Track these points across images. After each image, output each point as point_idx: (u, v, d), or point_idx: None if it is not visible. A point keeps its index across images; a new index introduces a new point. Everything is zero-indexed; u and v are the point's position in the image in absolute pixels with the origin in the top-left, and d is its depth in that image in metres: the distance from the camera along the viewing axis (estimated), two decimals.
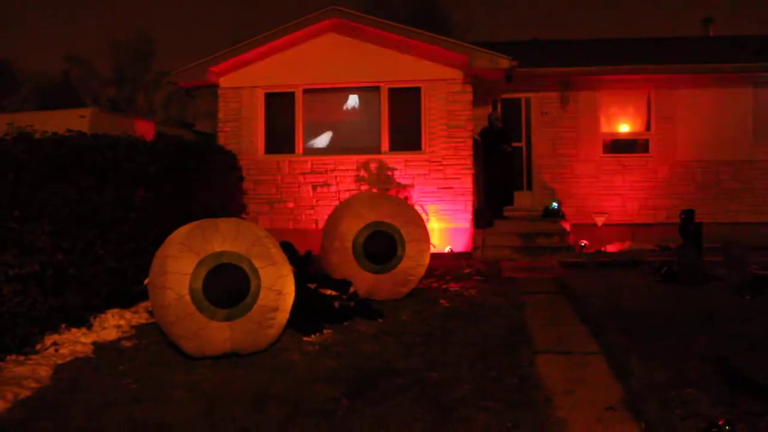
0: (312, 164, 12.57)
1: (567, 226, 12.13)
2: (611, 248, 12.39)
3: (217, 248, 5.81)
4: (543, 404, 4.73)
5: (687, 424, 4.27)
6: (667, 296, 8.26)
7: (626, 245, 12.51)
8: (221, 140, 12.64)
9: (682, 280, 8.93)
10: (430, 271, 8.78)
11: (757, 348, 5.91)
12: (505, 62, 11.96)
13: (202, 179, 9.86)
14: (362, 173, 12.38)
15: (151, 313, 6.88)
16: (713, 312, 7.33)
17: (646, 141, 13.55)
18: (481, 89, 12.85)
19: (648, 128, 13.55)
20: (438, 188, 12.22)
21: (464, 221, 12.12)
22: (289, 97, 12.75)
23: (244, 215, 12.02)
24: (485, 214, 12.11)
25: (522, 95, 13.64)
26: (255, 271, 5.82)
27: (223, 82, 12.82)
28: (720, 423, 4.13)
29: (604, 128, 13.59)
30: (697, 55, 14.20)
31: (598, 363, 5.68)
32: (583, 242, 12.37)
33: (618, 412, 4.55)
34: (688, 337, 6.27)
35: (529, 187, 13.50)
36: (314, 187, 12.50)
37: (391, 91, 12.53)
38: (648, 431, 4.24)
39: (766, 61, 13.33)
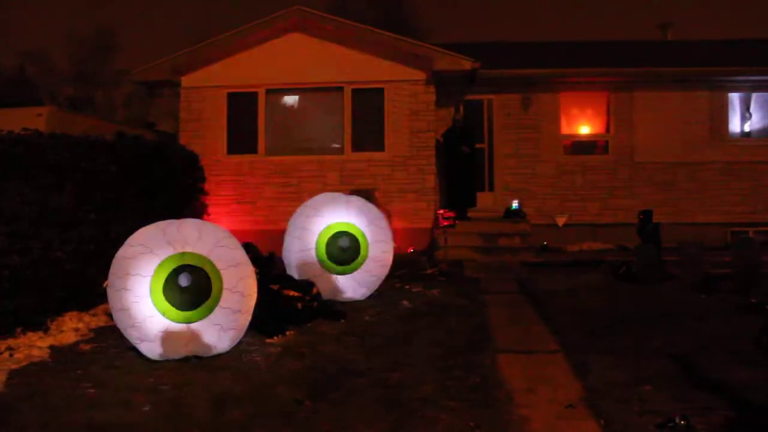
0: (275, 165, 12.51)
1: (528, 227, 12.25)
2: (572, 248, 12.55)
3: (179, 250, 5.76)
4: (505, 403, 4.78)
5: (644, 420, 4.37)
6: (626, 295, 8.43)
7: (587, 245, 12.69)
8: (183, 140, 12.50)
9: (641, 280, 9.11)
10: (393, 272, 8.79)
11: (711, 345, 6.06)
12: (467, 63, 12.05)
13: (164, 180, 9.75)
14: (325, 173, 12.36)
15: (110, 315, 6.76)
16: (670, 311, 7.51)
17: (606, 142, 13.76)
18: (444, 90, 12.92)
19: (608, 130, 13.75)
20: (401, 188, 12.26)
21: (427, 222, 12.18)
22: (252, 97, 12.67)
23: (206, 216, 11.90)
24: (449, 215, 12.18)
25: (484, 97, 13.72)
26: (217, 272, 5.78)
27: (186, 81, 12.68)
28: (676, 418, 4.23)
29: (565, 130, 13.76)
30: (655, 58, 14.47)
31: (558, 361, 5.76)
32: (545, 242, 12.52)
33: (578, 410, 4.62)
34: (646, 335, 6.40)
35: (491, 188, 13.61)
36: (277, 188, 12.44)
37: (355, 91, 12.54)
38: (606, 428, 4.31)
39: (721, 65, 13.64)
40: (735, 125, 14.02)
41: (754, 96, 13.99)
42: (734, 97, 13.95)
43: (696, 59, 14.16)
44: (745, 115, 14.12)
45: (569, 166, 13.54)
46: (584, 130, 13.89)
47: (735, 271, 8.77)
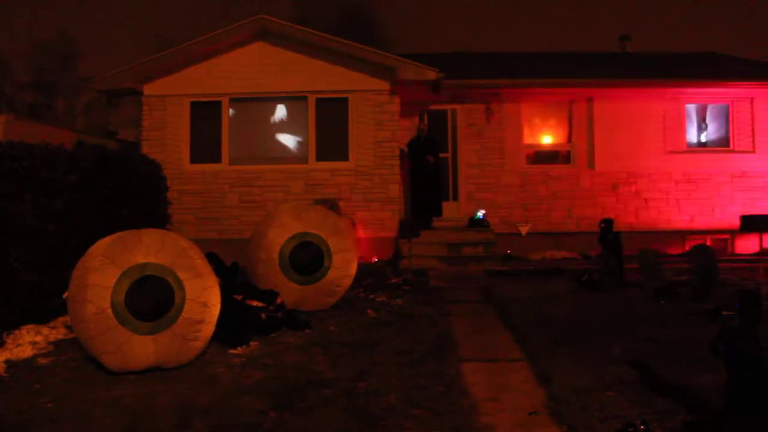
0: (238, 174, 12.43)
1: (492, 236, 12.35)
2: (535, 257, 12.68)
3: (141, 260, 5.70)
4: (469, 411, 4.81)
5: (606, 425, 4.43)
6: (589, 303, 8.54)
7: (550, 254, 12.83)
8: (145, 149, 12.35)
9: (603, 287, 9.24)
10: (357, 282, 8.80)
11: (671, 351, 6.18)
12: (431, 74, 12.14)
13: (125, 189, 9.61)
14: (289, 183, 12.32)
15: (70, 328, 6.65)
16: (631, 317, 7.64)
17: (568, 152, 13.96)
18: (409, 100, 12.99)
19: (570, 140, 13.96)
20: (365, 198, 12.27)
21: (391, 231, 12.21)
22: (216, 106, 12.59)
23: (168, 226, 11.76)
24: (412, 224, 12.22)
25: (449, 107, 13.83)
26: (179, 282, 5.73)
27: (148, 89, 12.55)
28: (636, 423, 4.30)
29: (528, 139, 13.93)
30: (615, 70, 14.74)
31: (522, 369, 5.82)
32: (509, 251, 12.63)
33: (541, 417, 4.68)
34: (608, 342, 6.49)
35: (455, 198, 13.70)
36: (241, 198, 12.36)
37: (319, 101, 12.54)
38: None
39: (678, 77, 13.95)
40: (692, 136, 14.36)
41: (710, 107, 14.34)
42: (690, 109, 14.29)
43: (654, 71, 14.48)
44: (702, 126, 14.46)
45: (532, 175, 13.70)
46: (547, 139, 14.08)
47: (693, 278, 8.95)
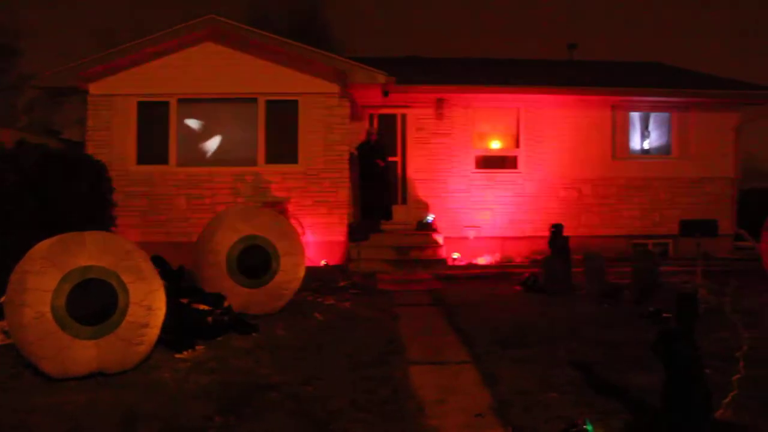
0: (186, 176, 12.27)
1: (440, 240, 12.46)
2: (482, 260, 12.84)
3: (83, 263, 5.57)
4: (415, 414, 4.84)
5: (550, 426, 4.51)
6: (534, 306, 8.68)
7: (497, 257, 13.01)
8: (90, 149, 12.08)
9: (548, 291, 9.40)
10: (305, 285, 8.77)
11: (613, 352, 6.33)
12: (381, 77, 12.19)
13: (68, 190, 9.39)
14: (238, 186, 12.22)
15: (7, 333, 6.44)
16: (576, 320, 7.79)
17: (515, 158, 14.17)
18: (359, 104, 13.04)
19: (517, 145, 14.18)
20: (314, 201, 12.24)
21: (340, 235, 12.21)
22: (164, 106, 12.40)
23: (113, 228, 11.51)
24: (361, 228, 12.25)
25: (399, 111, 13.92)
26: (123, 286, 5.62)
27: (94, 88, 12.29)
28: (578, 422, 4.39)
29: (477, 145, 14.10)
30: (562, 77, 15.03)
31: (469, 372, 5.88)
32: (456, 255, 12.75)
33: (487, 419, 4.73)
34: (553, 344, 6.61)
35: (404, 201, 13.78)
36: (188, 200, 12.20)
37: (269, 103, 12.46)
38: None
39: (622, 85, 14.31)
40: (635, 143, 14.74)
41: (652, 116, 14.74)
42: (634, 116, 14.67)
43: (598, 79, 14.80)
44: (645, 134, 14.85)
45: (480, 180, 13.87)
46: (495, 145, 14.26)
47: (635, 282, 9.17)
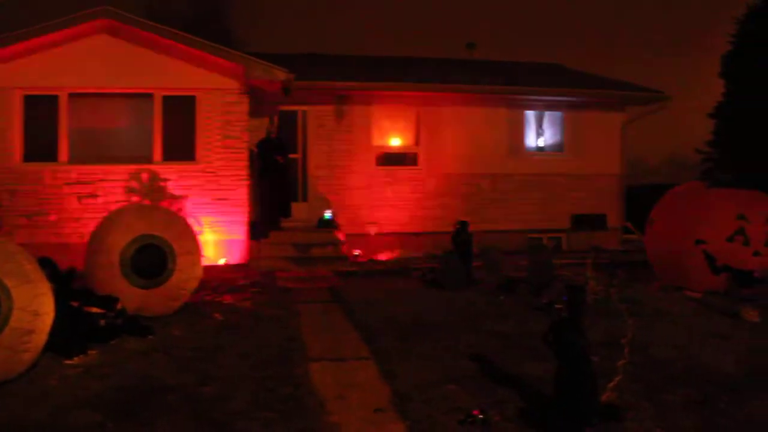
0: (78, 174, 11.73)
1: (341, 236, 12.48)
2: (383, 257, 12.94)
3: None
4: (316, 410, 4.85)
5: (448, 417, 4.62)
6: (434, 300, 8.82)
7: (397, 253, 13.14)
8: None
9: (447, 285, 9.57)
10: (204, 284, 8.61)
11: (509, 344, 6.54)
12: (281, 74, 12.06)
13: None
14: (133, 184, 11.79)
15: None
16: (474, 313, 7.99)
17: (415, 155, 14.36)
18: (259, 100, 12.83)
19: (417, 142, 14.37)
20: (213, 199, 12.00)
21: (240, 233, 12.02)
22: (53, 100, 11.78)
23: None
24: (261, 226, 12.11)
25: (299, 107, 13.82)
26: (6, 290, 5.32)
27: None
28: (475, 413, 4.52)
29: (377, 142, 14.19)
30: (460, 76, 15.32)
31: (369, 367, 5.93)
32: (357, 251, 12.80)
33: (387, 413, 4.80)
34: (451, 338, 6.77)
35: (305, 199, 13.71)
36: (80, 199, 11.68)
37: (165, 98, 12.09)
38: (413, 428, 4.50)
39: (518, 84, 14.76)
40: (531, 140, 15.23)
41: (547, 114, 15.28)
42: (530, 115, 15.17)
43: (497, 78, 15.20)
44: (539, 132, 15.37)
45: (380, 177, 13.98)
46: (395, 142, 14.41)
47: (531, 274, 9.48)
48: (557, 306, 7.58)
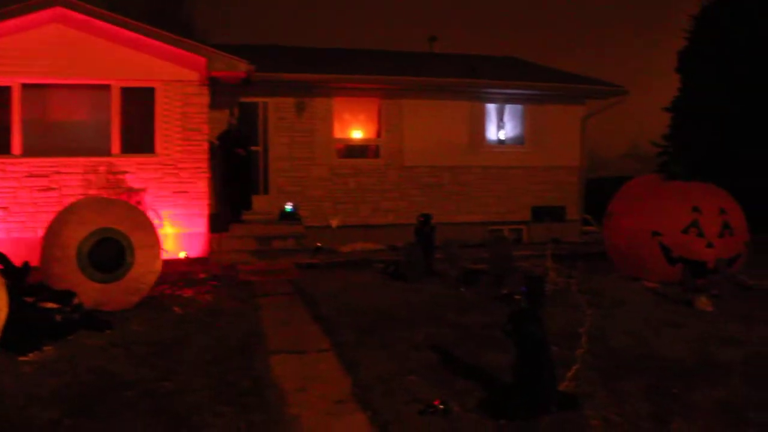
0: (32, 166, 11.46)
1: (303, 229, 12.44)
2: (345, 249, 12.93)
3: None
4: (277, 404, 4.83)
5: (409, 408, 4.64)
6: (395, 292, 8.85)
7: (359, 246, 13.14)
8: None
9: (409, 278, 9.62)
10: (163, 278, 8.51)
11: (469, 334, 6.59)
12: (242, 66, 11.96)
13: None
14: (90, 177, 11.57)
15: None
16: (435, 304, 8.04)
17: (377, 147, 14.38)
18: (220, 92, 12.70)
19: (379, 135, 14.39)
20: (172, 192, 11.84)
21: (200, 226, 11.90)
22: (5, 91, 11.47)
23: None
24: (222, 218, 12.02)
25: (260, 99, 13.72)
26: None
27: None
28: (435, 403, 4.56)
29: (339, 134, 14.17)
30: (422, 69, 15.38)
31: (330, 360, 5.93)
32: (319, 244, 12.77)
33: (347, 405, 4.80)
34: (412, 329, 6.79)
35: (266, 191, 13.63)
36: (36, 192, 11.42)
37: (124, 90, 11.87)
38: (374, 419, 4.51)
39: (478, 77, 14.84)
40: (491, 133, 15.35)
41: (508, 107, 15.41)
42: (491, 108, 15.28)
43: (458, 71, 15.28)
44: (500, 125, 15.50)
45: (342, 169, 13.96)
46: (357, 134, 14.40)
47: (491, 266, 9.57)
48: (516, 297, 7.71)
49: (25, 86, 11.51)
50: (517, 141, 15.44)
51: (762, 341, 6.41)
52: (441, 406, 4.55)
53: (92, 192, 11.34)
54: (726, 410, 4.62)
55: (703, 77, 16.31)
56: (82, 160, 11.61)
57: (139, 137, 11.94)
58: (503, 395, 4.65)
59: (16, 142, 11.46)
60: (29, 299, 6.70)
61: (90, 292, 7.39)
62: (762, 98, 14.96)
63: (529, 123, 15.31)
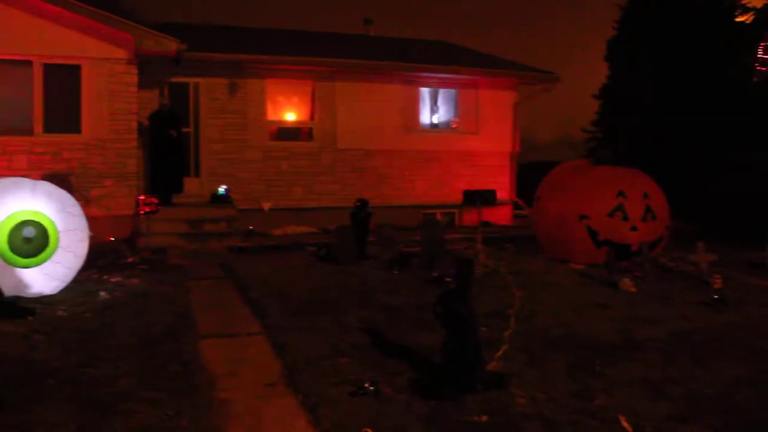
0: None
1: (235, 212, 12.29)
2: (277, 232, 12.85)
3: None
4: (206, 388, 4.77)
5: (339, 390, 4.65)
6: (327, 275, 8.87)
7: (291, 229, 13.06)
8: None
9: (341, 260, 9.63)
10: (90, 262, 8.26)
11: (401, 316, 6.66)
12: (173, 45, 11.70)
13: None
14: (11, 157, 11.15)
15: None
16: (367, 287, 8.07)
17: (311, 129, 14.30)
18: (150, 72, 12.38)
19: (312, 117, 14.29)
20: (100, 173, 11.54)
21: (128, 208, 11.62)
22: None
23: None
24: (151, 201, 11.74)
25: (191, 80, 13.44)
26: None
27: None
28: (366, 385, 4.58)
29: (272, 116, 14.02)
30: (357, 51, 15.31)
31: (261, 343, 5.90)
32: (251, 227, 12.63)
33: (278, 388, 4.79)
34: (344, 312, 6.82)
35: (197, 174, 13.39)
36: None
37: (47, 67, 11.48)
38: (304, 402, 4.51)
39: (412, 61, 14.88)
40: (425, 117, 15.44)
41: (441, 92, 15.52)
42: (425, 92, 15.37)
43: (392, 54, 15.28)
44: (434, 109, 15.60)
45: (275, 151, 13.84)
46: (290, 117, 14.28)
47: (423, 249, 9.66)
48: (446, 279, 7.81)
49: None
50: (450, 125, 15.57)
51: (681, 320, 6.68)
52: (372, 388, 4.57)
53: (12, 174, 10.88)
54: (646, 385, 4.79)
55: (629, 65, 16.78)
56: (1, 139, 11.15)
57: (64, 116, 11.61)
58: (433, 376, 4.71)
59: None
60: None
61: (10, 277, 7.13)
62: (684, 86, 15.49)
63: (462, 107, 15.46)
